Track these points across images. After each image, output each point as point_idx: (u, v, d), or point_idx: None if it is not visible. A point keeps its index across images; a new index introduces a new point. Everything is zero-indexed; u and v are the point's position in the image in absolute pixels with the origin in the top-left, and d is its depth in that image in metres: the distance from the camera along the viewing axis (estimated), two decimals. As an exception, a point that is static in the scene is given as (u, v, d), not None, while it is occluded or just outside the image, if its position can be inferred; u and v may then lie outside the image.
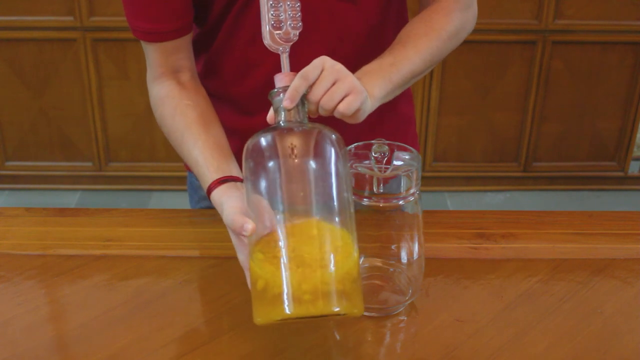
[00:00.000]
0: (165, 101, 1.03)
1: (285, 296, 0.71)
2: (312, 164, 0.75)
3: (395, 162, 0.84)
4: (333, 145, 0.77)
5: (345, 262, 0.73)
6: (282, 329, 0.86)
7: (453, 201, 2.88)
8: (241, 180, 0.93)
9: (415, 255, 0.89)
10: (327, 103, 0.82)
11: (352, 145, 0.86)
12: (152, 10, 1.00)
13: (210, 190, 0.91)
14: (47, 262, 0.99)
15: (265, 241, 0.75)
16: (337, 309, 0.71)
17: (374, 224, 0.87)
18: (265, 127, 0.80)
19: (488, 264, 1.00)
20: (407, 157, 0.85)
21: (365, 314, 0.88)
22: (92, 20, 2.58)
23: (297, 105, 0.79)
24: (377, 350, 0.86)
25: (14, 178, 2.90)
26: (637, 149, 2.89)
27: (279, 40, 0.83)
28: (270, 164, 0.76)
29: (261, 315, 0.73)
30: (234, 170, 0.94)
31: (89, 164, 2.86)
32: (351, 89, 0.83)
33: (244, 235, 0.79)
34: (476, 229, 1.09)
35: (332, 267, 0.72)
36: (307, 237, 0.73)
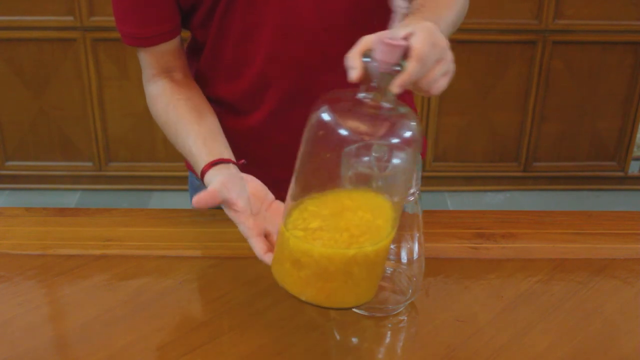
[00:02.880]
0: (158, 98, 1.06)
1: (298, 280, 0.72)
2: (386, 154, 0.70)
3: (395, 162, 0.84)
4: (411, 135, 0.70)
5: (370, 250, 0.71)
6: (282, 328, 0.86)
7: (453, 201, 2.88)
8: (234, 162, 0.94)
9: (415, 255, 0.89)
10: (425, 86, 0.76)
11: (352, 145, 0.86)
12: (140, 16, 1.02)
13: (203, 173, 0.93)
14: (47, 262, 0.99)
15: (300, 213, 0.73)
16: (351, 306, 0.74)
17: (374, 224, 0.87)
18: (336, 93, 0.72)
19: (488, 264, 1.00)
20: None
21: (365, 313, 0.88)
22: (92, 20, 2.58)
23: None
24: (377, 350, 0.86)
25: (14, 178, 2.90)
26: (637, 149, 2.89)
27: None
28: (342, 144, 0.69)
29: (279, 279, 0.75)
30: (226, 153, 0.96)
31: (89, 163, 2.86)
32: (448, 70, 0.78)
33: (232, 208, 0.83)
34: (476, 229, 1.08)
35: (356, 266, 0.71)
36: (340, 212, 0.71)
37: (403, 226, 0.87)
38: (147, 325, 0.87)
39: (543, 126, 2.83)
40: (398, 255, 0.90)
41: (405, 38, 0.73)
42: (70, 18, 2.59)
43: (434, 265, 0.97)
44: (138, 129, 2.77)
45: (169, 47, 1.06)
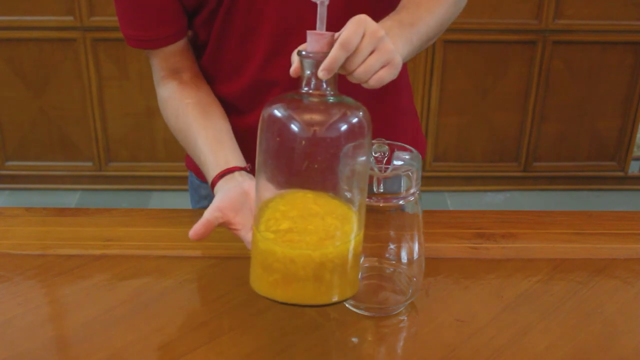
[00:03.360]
0: (168, 102, 1.06)
1: (271, 281, 0.74)
2: (332, 144, 0.71)
3: (395, 162, 0.84)
4: (358, 122, 0.72)
5: (342, 249, 0.73)
6: (282, 328, 0.86)
7: (453, 201, 2.88)
8: (239, 169, 0.96)
9: (415, 255, 0.89)
10: (361, 75, 0.78)
11: (350, 144, 0.86)
12: (144, 19, 1.02)
13: (212, 186, 0.96)
14: (47, 262, 0.99)
15: (269, 214, 0.74)
16: (326, 302, 0.75)
17: (374, 223, 0.87)
18: (285, 92, 0.74)
19: (488, 264, 1.00)
20: (407, 157, 0.85)
21: (365, 313, 0.88)
22: (92, 20, 2.58)
23: None
24: (377, 350, 0.86)
25: (14, 178, 2.90)
26: (637, 149, 2.89)
27: None
28: (289, 138, 0.71)
29: (256, 286, 0.76)
30: (231, 161, 0.97)
31: (89, 164, 2.86)
32: (388, 61, 0.79)
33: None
34: (476, 228, 1.08)
35: (327, 256, 0.73)
36: (308, 216, 0.73)
37: (403, 226, 0.87)
38: (147, 325, 0.87)
39: (543, 126, 2.83)
40: (398, 255, 0.90)
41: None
42: (70, 18, 2.59)
43: (434, 265, 0.97)
44: (138, 129, 2.77)
45: (176, 49, 1.06)
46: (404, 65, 1.15)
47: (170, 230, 1.07)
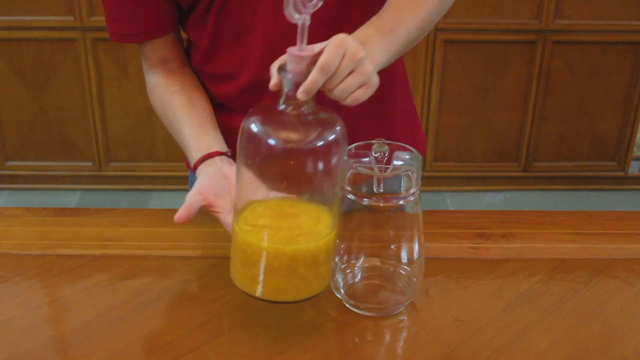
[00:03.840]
0: (155, 91, 1.10)
1: (245, 278, 0.80)
2: (309, 160, 0.75)
3: (395, 162, 0.84)
4: (334, 139, 0.75)
5: (314, 246, 0.78)
6: (282, 328, 0.86)
7: (453, 201, 2.88)
8: (220, 153, 1.00)
9: (416, 255, 0.89)
10: (338, 94, 0.81)
11: (352, 145, 0.86)
12: (134, 14, 1.04)
13: (194, 169, 1.00)
14: (47, 262, 0.99)
15: (247, 212, 0.80)
16: (301, 298, 0.81)
17: (374, 223, 0.87)
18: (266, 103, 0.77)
19: (488, 264, 1.00)
20: (407, 157, 0.85)
21: (365, 313, 0.88)
22: (92, 20, 2.58)
23: None
24: (377, 350, 0.86)
25: (14, 178, 2.90)
26: (637, 149, 2.89)
27: (300, 8, 0.74)
28: (267, 155, 0.75)
29: (235, 279, 0.83)
30: (213, 146, 1.01)
31: (89, 164, 2.86)
32: (365, 82, 0.82)
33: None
34: (476, 229, 1.09)
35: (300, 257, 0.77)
36: (284, 216, 0.79)
37: (403, 226, 0.87)
38: (147, 325, 0.87)
39: (543, 126, 2.83)
40: (398, 255, 0.90)
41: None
42: (70, 18, 2.59)
43: (434, 265, 0.97)
44: (138, 129, 2.77)
45: (164, 41, 1.08)
46: (401, 61, 1.16)
47: (170, 230, 1.07)
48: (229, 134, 1.05)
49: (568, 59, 2.71)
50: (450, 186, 2.93)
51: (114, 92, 2.71)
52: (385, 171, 0.83)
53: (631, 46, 2.70)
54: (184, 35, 1.12)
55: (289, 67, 0.75)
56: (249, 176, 0.79)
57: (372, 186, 0.83)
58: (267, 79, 1.05)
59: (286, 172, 0.76)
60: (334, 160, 0.76)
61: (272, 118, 0.76)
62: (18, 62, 2.67)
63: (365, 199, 0.83)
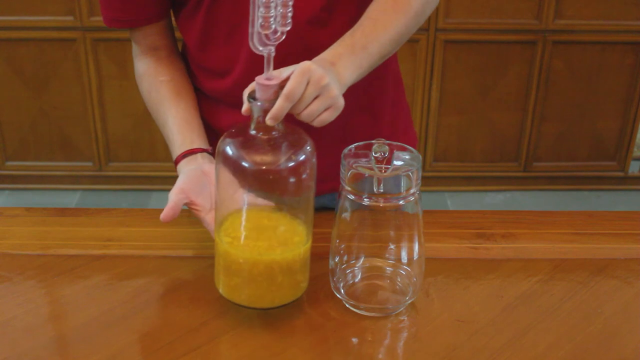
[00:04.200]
0: (144, 79, 1.12)
1: (227, 284, 0.86)
2: (281, 173, 0.81)
3: (395, 162, 0.84)
4: (303, 160, 0.81)
5: (290, 255, 0.83)
6: (282, 328, 0.86)
7: (453, 201, 2.88)
8: (201, 150, 1.03)
9: (416, 255, 0.89)
10: (305, 118, 0.86)
11: (352, 145, 0.86)
12: (125, 2, 1.05)
13: (176, 164, 1.04)
14: (47, 262, 0.99)
15: (227, 224, 0.85)
16: (280, 304, 0.86)
17: (374, 223, 0.87)
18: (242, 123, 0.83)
19: (488, 264, 1.00)
20: (407, 157, 0.85)
21: (365, 314, 0.88)
22: (92, 20, 2.58)
23: None
24: (377, 350, 0.86)
25: (14, 178, 2.90)
26: (637, 149, 2.89)
27: (265, 41, 0.80)
28: (240, 171, 0.81)
29: (219, 287, 0.88)
30: (196, 142, 1.04)
31: (89, 163, 2.86)
32: (331, 105, 0.87)
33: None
34: (476, 229, 1.09)
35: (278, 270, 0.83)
36: (262, 227, 0.84)
37: (403, 226, 0.88)
38: (147, 325, 0.87)
39: (543, 126, 2.83)
40: (398, 255, 0.90)
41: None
42: (70, 18, 2.59)
43: (434, 265, 0.97)
44: (138, 129, 2.77)
45: (155, 29, 1.09)
46: (394, 59, 1.16)
47: (170, 230, 1.07)
48: (218, 128, 1.07)
49: (568, 59, 2.71)
50: (450, 186, 2.93)
51: (114, 92, 2.70)
52: (385, 171, 0.83)
53: (631, 46, 2.70)
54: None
55: (257, 95, 0.80)
56: (227, 192, 0.84)
57: (372, 186, 0.83)
58: (257, 73, 1.07)
59: (261, 188, 0.82)
60: (304, 177, 0.81)
61: (244, 142, 0.81)
62: (18, 62, 2.67)
63: (365, 199, 0.83)
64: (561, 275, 0.98)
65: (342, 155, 0.84)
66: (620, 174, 2.93)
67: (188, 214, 1.13)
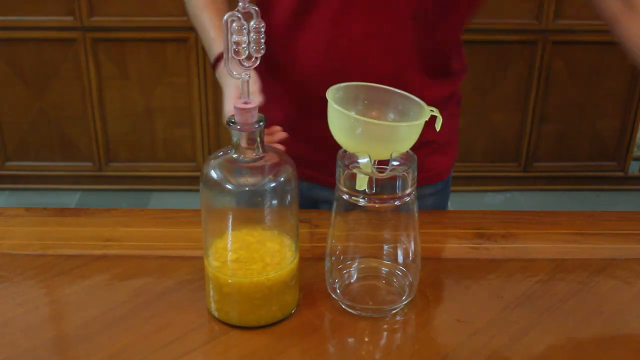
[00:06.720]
0: None
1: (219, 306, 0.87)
2: (264, 194, 0.83)
3: (392, 163, 0.84)
4: (285, 179, 0.82)
5: (279, 274, 0.85)
6: (282, 328, 0.86)
7: (453, 201, 2.88)
8: None
9: (412, 256, 0.89)
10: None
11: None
12: None
13: (215, 63, 1.10)
14: (47, 262, 0.99)
15: (215, 248, 0.86)
16: (273, 321, 0.87)
17: (371, 224, 0.87)
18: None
19: (488, 264, 1.00)
20: (403, 157, 0.85)
21: (364, 314, 0.88)
22: (92, 20, 2.58)
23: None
24: (376, 351, 0.86)
25: (14, 178, 2.90)
26: (637, 149, 2.89)
27: (240, 66, 0.80)
28: (225, 193, 0.83)
29: (211, 309, 0.88)
30: None
31: (89, 164, 2.86)
32: None
33: None
34: (476, 229, 1.08)
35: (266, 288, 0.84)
36: (250, 249, 0.86)
37: (399, 226, 0.88)
38: (147, 325, 0.87)
39: (543, 126, 2.83)
40: (395, 255, 0.90)
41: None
42: (70, 18, 2.59)
43: (433, 266, 0.97)
44: (138, 129, 2.77)
45: None
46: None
47: (170, 230, 1.07)
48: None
49: (568, 59, 2.71)
50: (450, 186, 2.93)
51: (114, 92, 2.71)
52: (382, 172, 0.83)
53: (631, 46, 2.70)
54: None
55: (236, 119, 0.81)
56: (212, 215, 0.86)
57: (369, 187, 0.83)
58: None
59: (246, 211, 0.84)
60: (288, 197, 0.83)
61: (228, 166, 0.83)
62: (18, 62, 2.67)
63: (361, 200, 0.83)
64: (561, 275, 0.98)
65: (337, 156, 0.84)
66: (620, 174, 2.93)
67: (189, 214, 1.13)
